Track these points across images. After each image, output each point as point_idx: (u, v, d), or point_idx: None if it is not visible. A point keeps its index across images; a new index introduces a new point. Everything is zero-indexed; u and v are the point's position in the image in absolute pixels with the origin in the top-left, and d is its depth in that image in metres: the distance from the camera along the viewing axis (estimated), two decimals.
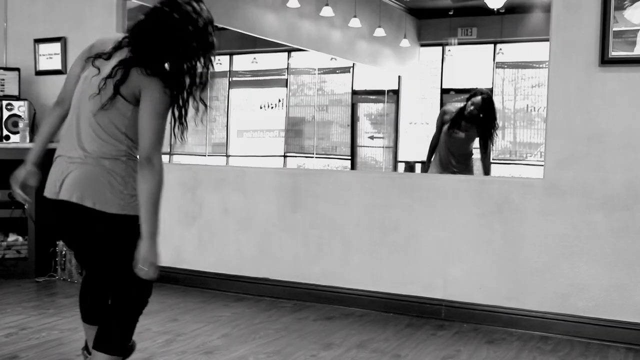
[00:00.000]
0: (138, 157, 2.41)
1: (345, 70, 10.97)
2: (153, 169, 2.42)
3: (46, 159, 2.79)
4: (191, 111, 2.55)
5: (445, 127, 5.24)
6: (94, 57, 2.44)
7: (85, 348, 2.86)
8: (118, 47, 2.42)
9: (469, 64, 10.25)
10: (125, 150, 2.44)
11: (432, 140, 5.37)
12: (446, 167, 5.22)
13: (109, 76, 2.34)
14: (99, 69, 2.40)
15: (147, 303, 2.51)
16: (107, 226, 2.38)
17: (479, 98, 5.11)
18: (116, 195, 2.40)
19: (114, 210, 2.37)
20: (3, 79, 5.10)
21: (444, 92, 10.53)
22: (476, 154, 5.38)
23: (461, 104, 5.25)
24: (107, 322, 2.47)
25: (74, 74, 2.54)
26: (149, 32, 2.39)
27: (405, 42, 10.35)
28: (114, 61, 2.38)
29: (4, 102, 4.99)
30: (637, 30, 3.57)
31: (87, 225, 2.41)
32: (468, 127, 5.15)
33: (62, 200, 2.49)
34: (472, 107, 5.09)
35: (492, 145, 5.24)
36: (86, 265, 2.76)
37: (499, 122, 5.34)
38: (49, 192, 2.61)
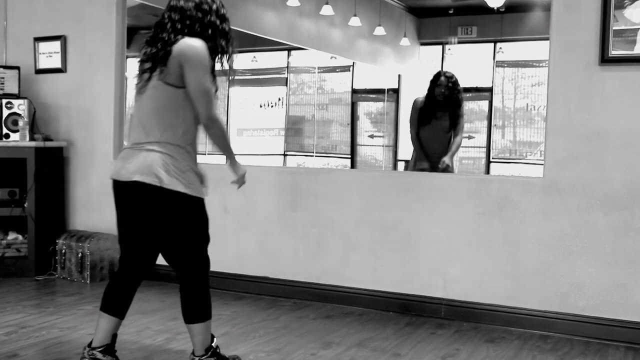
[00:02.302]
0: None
1: (345, 69, 10.96)
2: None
3: None
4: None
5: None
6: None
7: (89, 345, 2.86)
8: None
9: (469, 63, 10.24)
10: None
11: (413, 141, 5.30)
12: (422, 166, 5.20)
13: None
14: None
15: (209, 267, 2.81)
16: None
17: (442, 78, 5.12)
18: None
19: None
20: (3, 78, 5.10)
21: None
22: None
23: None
24: (189, 297, 2.74)
25: None
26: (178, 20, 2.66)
27: (405, 41, 10.35)
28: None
29: (4, 101, 4.99)
30: (637, 29, 3.57)
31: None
32: (441, 114, 5.13)
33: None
34: (441, 90, 5.08)
35: (461, 124, 5.18)
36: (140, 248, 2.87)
37: (462, 100, 5.25)
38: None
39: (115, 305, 2.86)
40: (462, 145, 5.31)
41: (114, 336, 2.87)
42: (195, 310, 2.77)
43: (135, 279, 2.90)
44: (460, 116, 5.15)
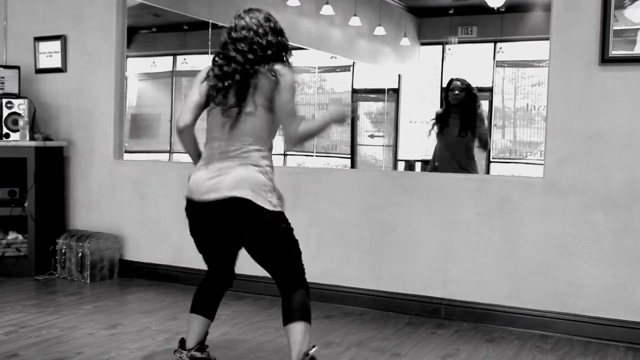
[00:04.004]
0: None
1: (345, 68, 10.96)
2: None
3: None
4: None
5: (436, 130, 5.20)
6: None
7: (183, 347, 2.88)
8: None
9: (469, 63, 10.24)
10: None
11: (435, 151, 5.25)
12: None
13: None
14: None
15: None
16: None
17: (454, 82, 5.14)
18: None
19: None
20: (3, 77, 5.10)
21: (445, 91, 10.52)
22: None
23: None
24: (292, 301, 2.71)
25: None
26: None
27: (405, 41, 10.35)
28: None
29: (4, 100, 4.99)
30: (637, 29, 3.57)
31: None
32: (456, 118, 5.10)
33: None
34: (455, 92, 5.08)
35: (482, 127, 5.12)
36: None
37: (480, 105, 5.21)
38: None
39: (206, 307, 2.92)
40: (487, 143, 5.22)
41: (205, 334, 2.93)
42: (306, 311, 2.74)
43: (225, 283, 2.98)
44: (476, 115, 5.07)
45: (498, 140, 9.83)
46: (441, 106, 5.24)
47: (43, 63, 5.30)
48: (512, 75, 10.04)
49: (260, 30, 2.82)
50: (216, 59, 2.78)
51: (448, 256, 4.03)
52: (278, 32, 2.88)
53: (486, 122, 5.12)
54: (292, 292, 2.72)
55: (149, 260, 4.95)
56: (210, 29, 7.56)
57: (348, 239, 4.29)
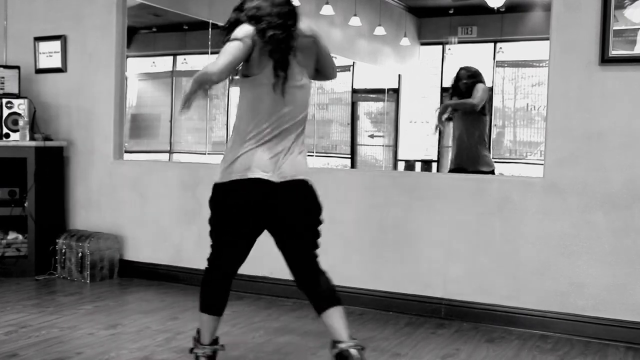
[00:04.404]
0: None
1: (345, 68, 10.95)
2: None
3: None
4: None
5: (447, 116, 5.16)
6: None
7: (201, 343, 2.94)
8: None
9: (469, 63, 10.23)
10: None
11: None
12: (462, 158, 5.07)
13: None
14: None
15: None
16: None
17: (461, 71, 5.12)
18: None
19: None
20: (3, 77, 5.10)
21: (444, 90, 10.51)
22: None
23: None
24: (325, 285, 2.90)
25: None
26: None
27: (405, 41, 10.35)
28: None
29: (4, 100, 4.99)
30: (638, 29, 3.57)
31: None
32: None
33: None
34: (463, 81, 5.05)
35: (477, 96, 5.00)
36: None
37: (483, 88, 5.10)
38: None
39: (223, 306, 2.99)
40: (466, 107, 5.07)
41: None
42: (337, 293, 2.86)
43: (233, 277, 3.01)
44: (478, 90, 4.98)
45: (498, 140, 9.82)
46: (451, 98, 5.19)
47: (43, 63, 5.30)
48: (512, 75, 10.04)
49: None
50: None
51: (448, 256, 4.03)
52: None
53: (480, 91, 4.96)
54: (321, 273, 2.95)
55: (149, 260, 4.95)
56: (210, 29, 7.56)
57: (348, 239, 4.29)
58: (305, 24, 2.72)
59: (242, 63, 2.62)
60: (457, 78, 5.15)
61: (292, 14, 2.67)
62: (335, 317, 2.76)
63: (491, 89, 9.71)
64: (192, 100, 2.49)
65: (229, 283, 2.99)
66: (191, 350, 2.96)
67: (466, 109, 5.01)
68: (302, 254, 2.91)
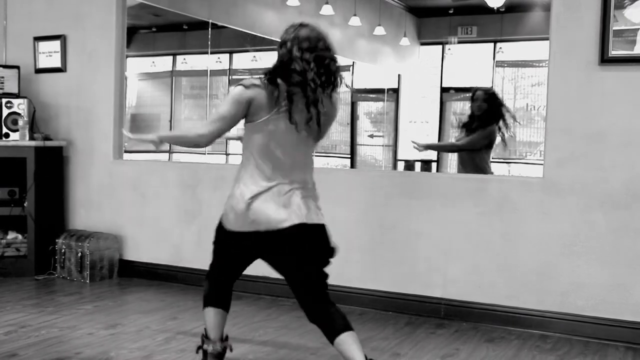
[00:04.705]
0: None
1: (345, 68, 10.95)
2: None
3: None
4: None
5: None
6: None
7: (210, 339, 2.93)
8: None
9: (469, 63, 10.24)
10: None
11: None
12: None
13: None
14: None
15: None
16: None
17: (478, 92, 5.01)
18: None
19: None
20: (3, 77, 5.10)
21: (444, 90, 10.52)
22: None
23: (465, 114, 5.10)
24: (334, 312, 2.80)
25: None
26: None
27: (405, 41, 10.35)
28: None
29: (4, 100, 4.99)
30: (637, 29, 3.57)
31: None
32: (479, 127, 4.97)
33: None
34: (477, 104, 4.94)
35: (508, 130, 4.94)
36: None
37: (512, 113, 5.03)
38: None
39: (225, 299, 2.98)
40: (455, 150, 5.02)
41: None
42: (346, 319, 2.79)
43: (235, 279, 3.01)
44: (486, 128, 4.90)
45: (497, 140, 9.82)
46: (469, 117, 5.08)
47: (43, 63, 5.29)
48: (511, 75, 10.04)
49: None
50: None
51: (448, 256, 4.03)
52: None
53: (482, 134, 4.89)
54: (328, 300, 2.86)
55: (149, 260, 4.95)
56: (210, 29, 7.56)
57: (348, 239, 4.29)
58: None
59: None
60: (473, 99, 5.02)
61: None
62: (349, 343, 2.70)
63: (490, 89, 9.71)
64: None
65: (230, 282, 2.99)
66: (199, 348, 2.96)
67: (450, 151, 4.93)
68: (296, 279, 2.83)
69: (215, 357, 2.94)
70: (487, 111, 4.91)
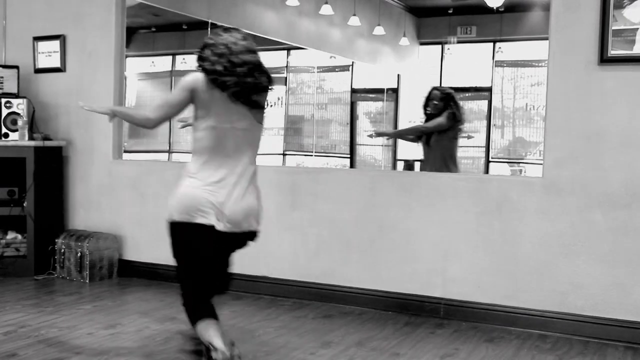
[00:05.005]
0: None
1: (344, 68, 10.95)
2: None
3: None
4: None
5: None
6: None
7: (218, 344, 2.72)
8: None
9: (469, 63, 10.24)
10: None
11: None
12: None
13: None
14: None
15: None
16: None
17: (434, 91, 5.15)
18: None
19: None
20: (2, 77, 5.10)
21: None
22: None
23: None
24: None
25: None
26: None
27: (404, 41, 10.34)
28: None
29: (3, 100, 4.99)
30: (637, 29, 3.57)
31: None
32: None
33: None
34: (433, 102, 5.08)
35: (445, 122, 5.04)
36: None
37: (463, 113, 5.17)
38: None
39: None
40: (419, 131, 5.16)
41: None
42: None
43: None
44: (441, 115, 5.04)
45: (497, 140, 9.83)
46: (424, 113, 5.22)
47: (42, 62, 5.29)
48: (511, 75, 10.04)
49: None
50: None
51: (447, 256, 4.03)
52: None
53: (441, 121, 5.01)
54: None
55: (148, 260, 4.95)
56: (209, 29, 7.56)
57: (347, 239, 4.29)
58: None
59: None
60: (429, 97, 5.17)
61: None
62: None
63: (490, 89, 9.72)
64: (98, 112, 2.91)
65: (215, 288, 2.98)
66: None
67: (415, 134, 5.06)
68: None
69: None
70: (443, 111, 5.04)
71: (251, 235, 2.89)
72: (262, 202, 2.92)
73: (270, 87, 2.87)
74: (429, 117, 5.12)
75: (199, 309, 2.85)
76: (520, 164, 9.47)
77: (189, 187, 2.87)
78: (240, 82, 2.75)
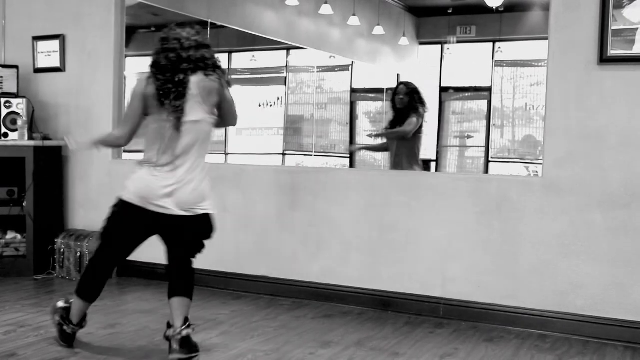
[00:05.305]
0: None
1: (344, 68, 10.94)
2: None
3: None
4: None
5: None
6: None
7: (67, 317, 3.33)
8: None
9: (468, 63, 10.24)
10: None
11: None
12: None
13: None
14: None
15: None
16: None
17: (400, 86, 5.32)
18: None
19: None
20: (2, 77, 5.10)
21: (443, 90, 10.52)
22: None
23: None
24: (189, 278, 3.34)
25: None
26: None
27: (404, 40, 10.34)
28: None
29: (3, 100, 4.99)
30: (636, 28, 3.58)
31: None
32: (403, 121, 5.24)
33: None
34: (400, 96, 5.22)
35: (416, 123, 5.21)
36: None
37: (427, 108, 5.36)
38: None
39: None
40: (399, 136, 5.29)
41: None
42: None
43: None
44: (412, 116, 5.18)
45: (497, 139, 9.83)
46: (392, 107, 5.39)
47: (42, 62, 5.29)
48: (510, 75, 10.04)
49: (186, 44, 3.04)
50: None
51: (447, 256, 4.03)
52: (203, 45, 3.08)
53: (415, 122, 5.19)
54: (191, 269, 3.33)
55: (148, 260, 4.93)
56: (209, 29, 7.56)
57: (347, 239, 4.29)
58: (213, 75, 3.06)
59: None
60: (396, 92, 5.31)
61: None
62: (180, 305, 3.20)
63: (490, 89, 9.72)
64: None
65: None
66: (58, 324, 3.31)
67: (399, 137, 5.24)
68: (184, 258, 3.33)
69: (71, 336, 3.30)
70: (409, 105, 5.21)
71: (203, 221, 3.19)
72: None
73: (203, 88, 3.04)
74: (397, 111, 5.27)
75: (92, 289, 3.37)
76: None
77: (147, 175, 3.12)
78: (162, 87, 2.97)
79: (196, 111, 3.02)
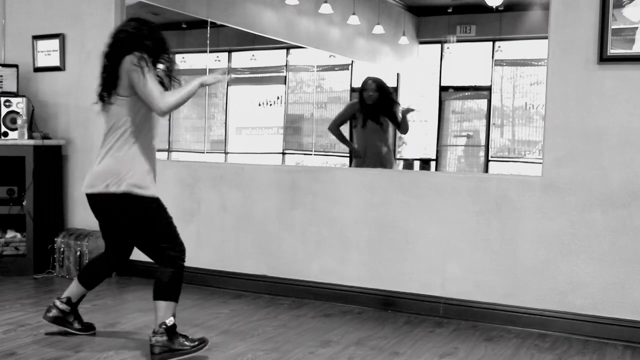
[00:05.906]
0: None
1: (344, 67, 10.94)
2: None
3: None
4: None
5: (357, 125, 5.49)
6: None
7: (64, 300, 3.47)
8: None
9: (468, 62, 10.23)
10: None
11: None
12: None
13: None
14: None
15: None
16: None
17: (368, 81, 5.37)
18: None
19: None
20: (1, 76, 5.10)
21: (443, 89, 10.52)
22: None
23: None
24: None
25: None
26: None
27: (404, 40, 10.34)
28: None
29: (2, 99, 4.99)
30: (636, 28, 3.57)
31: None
32: (375, 115, 5.31)
33: None
34: (369, 92, 5.27)
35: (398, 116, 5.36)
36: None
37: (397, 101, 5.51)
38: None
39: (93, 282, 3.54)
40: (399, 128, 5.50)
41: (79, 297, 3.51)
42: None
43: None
44: (394, 108, 5.34)
45: (496, 139, 9.83)
46: (360, 104, 5.44)
47: (41, 61, 5.29)
48: (510, 74, 10.04)
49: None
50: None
51: (446, 255, 4.03)
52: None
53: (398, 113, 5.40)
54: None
55: (148, 259, 4.94)
56: (209, 28, 7.56)
57: (346, 238, 4.29)
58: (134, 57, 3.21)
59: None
60: (364, 88, 5.34)
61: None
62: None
63: (490, 88, 9.72)
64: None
65: (107, 265, 3.62)
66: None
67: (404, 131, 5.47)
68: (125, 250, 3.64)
69: (60, 312, 3.43)
70: (378, 100, 5.28)
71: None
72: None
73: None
74: (366, 107, 5.30)
75: (89, 272, 3.53)
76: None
77: None
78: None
79: (116, 92, 3.23)
